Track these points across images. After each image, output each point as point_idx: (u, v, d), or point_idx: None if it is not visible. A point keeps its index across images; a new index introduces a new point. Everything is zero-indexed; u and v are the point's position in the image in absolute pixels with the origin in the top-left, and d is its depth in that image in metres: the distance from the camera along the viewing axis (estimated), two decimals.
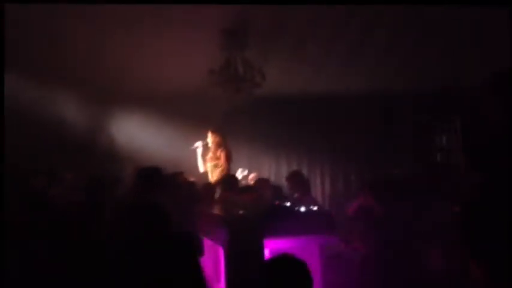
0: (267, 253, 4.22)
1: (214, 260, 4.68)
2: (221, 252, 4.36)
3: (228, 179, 5.72)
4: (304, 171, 8.76)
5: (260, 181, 6.15)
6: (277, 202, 5.02)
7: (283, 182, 6.43)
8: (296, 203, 5.01)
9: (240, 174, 7.30)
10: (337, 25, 6.11)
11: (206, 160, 6.87)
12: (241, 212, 4.53)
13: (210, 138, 6.82)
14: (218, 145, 6.76)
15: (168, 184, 4.64)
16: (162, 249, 2.52)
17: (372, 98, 8.48)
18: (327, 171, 9.04)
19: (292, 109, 8.68)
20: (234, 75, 6.25)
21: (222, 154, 6.70)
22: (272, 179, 7.65)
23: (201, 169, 6.89)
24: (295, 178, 5.85)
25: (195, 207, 4.78)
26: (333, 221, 4.50)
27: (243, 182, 6.99)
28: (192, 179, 6.37)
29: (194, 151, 6.95)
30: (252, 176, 7.31)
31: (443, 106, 8.30)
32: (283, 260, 2.46)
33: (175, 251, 2.52)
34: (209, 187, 5.76)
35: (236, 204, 4.89)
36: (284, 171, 8.35)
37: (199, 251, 3.92)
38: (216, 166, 6.75)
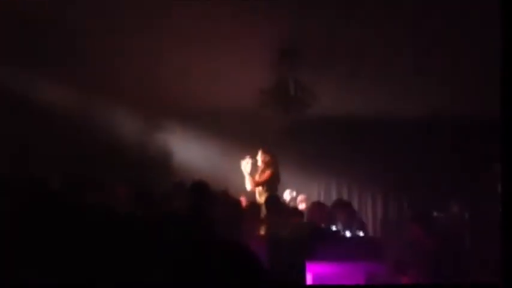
0: (310, 277, 4.09)
1: None
2: None
3: (271, 199, 5.63)
4: (355, 196, 8.59)
5: (315, 205, 5.97)
6: (323, 225, 4.89)
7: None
8: (343, 228, 4.86)
9: (288, 195, 7.20)
10: (394, 46, 5.98)
11: (254, 179, 6.79)
12: (285, 234, 4.43)
13: (260, 158, 6.74)
14: (267, 165, 6.68)
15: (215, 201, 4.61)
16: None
17: (430, 125, 8.23)
18: (378, 196, 8.80)
19: (344, 131, 8.53)
20: (284, 95, 6.21)
21: (268, 174, 6.59)
22: (321, 201, 7.49)
23: (248, 187, 6.81)
24: (341, 207, 5.68)
25: (238, 226, 4.71)
26: (380, 248, 4.33)
27: (291, 204, 6.89)
28: (242, 197, 6.32)
29: (243, 169, 6.89)
30: (300, 198, 7.19)
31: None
32: None
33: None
34: (254, 207, 5.68)
35: (281, 226, 4.80)
36: (334, 193, 8.20)
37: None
38: (262, 186, 6.67)
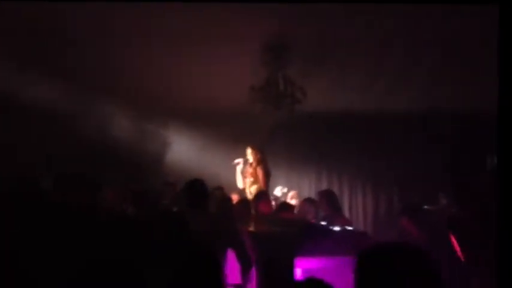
0: (299, 272, 4.12)
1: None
2: (253, 269, 4.30)
3: (260, 195, 5.69)
4: (345, 191, 8.63)
5: (305, 202, 6.04)
6: (312, 220, 4.93)
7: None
8: (331, 222, 4.90)
9: (279, 191, 7.25)
10: (384, 44, 6.00)
11: (245, 176, 6.87)
12: (275, 229, 4.46)
13: (250, 155, 6.82)
14: (257, 162, 6.75)
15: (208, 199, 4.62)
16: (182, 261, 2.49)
17: (418, 119, 8.28)
18: (368, 191, 8.86)
19: (334, 127, 8.57)
20: (274, 91, 6.24)
21: (260, 172, 6.68)
22: (312, 197, 7.54)
23: (240, 185, 6.90)
24: (326, 196, 5.73)
25: (231, 222, 4.74)
26: (368, 241, 4.36)
27: (282, 200, 6.94)
28: (233, 194, 6.38)
29: (234, 167, 6.96)
30: (291, 194, 7.24)
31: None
32: (309, 283, 2.33)
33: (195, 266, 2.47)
34: (245, 203, 5.72)
35: (273, 222, 4.83)
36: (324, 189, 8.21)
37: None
38: (254, 183, 6.73)
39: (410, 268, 1.67)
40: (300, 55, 6.19)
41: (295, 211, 5.73)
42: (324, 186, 8.55)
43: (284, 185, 7.44)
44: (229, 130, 7.83)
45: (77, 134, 7.26)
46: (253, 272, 4.19)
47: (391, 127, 8.47)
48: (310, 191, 8.42)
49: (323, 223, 4.86)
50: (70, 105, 7.08)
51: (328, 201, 5.50)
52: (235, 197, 6.27)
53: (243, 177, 6.89)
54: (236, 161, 6.92)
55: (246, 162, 6.88)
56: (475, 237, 4.00)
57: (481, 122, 7.69)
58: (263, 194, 5.78)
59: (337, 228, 4.53)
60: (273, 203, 6.71)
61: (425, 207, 5.66)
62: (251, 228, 4.97)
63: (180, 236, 3.04)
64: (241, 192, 6.86)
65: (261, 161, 6.75)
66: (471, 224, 4.06)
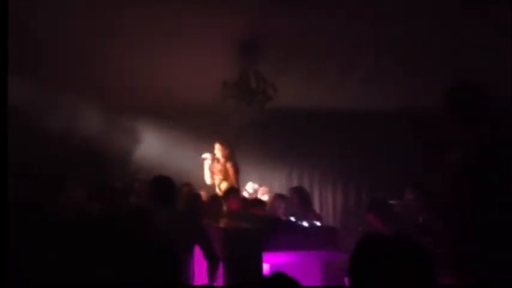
0: (267, 267, 4.16)
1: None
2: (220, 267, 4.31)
3: (229, 192, 5.71)
4: (316, 187, 8.71)
5: (276, 197, 6.10)
6: (282, 216, 4.97)
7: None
8: (300, 217, 4.95)
9: (250, 188, 7.27)
10: (356, 41, 6.04)
11: (214, 173, 6.85)
12: (244, 225, 4.48)
13: (219, 151, 6.80)
14: (226, 158, 6.74)
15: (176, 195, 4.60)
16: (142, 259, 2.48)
17: (390, 116, 8.39)
18: (338, 187, 8.95)
19: (306, 124, 8.62)
20: (246, 88, 6.24)
21: (230, 168, 6.67)
22: (283, 193, 7.57)
23: (208, 181, 6.87)
24: (297, 192, 5.79)
25: (198, 219, 4.75)
26: (336, 236, 4.42)
27: (254, 196, 6.96)
28: (202, 191, 6.37)
29: (203, 163, 6.94)
30: (262, 190, 7.26)
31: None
32: (273, 278, 2.36)
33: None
34: (215, 200, 5.73)
35: (242, 218, 4.85)
36: (295, 184, 8.27)
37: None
38: (223, 180, 6.71)
39: (405, 258, 1.70)
40: (272, 52, 6.20)
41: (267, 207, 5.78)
42: (295, 182, 8.61)
43: (255, 181, 7.45)
44: (200, 126, 7.79)
45: (44, 131, 7.12)
46: (221, 270, 4.20)
47: (362, 124, 8.56)
48: (281, 187, 8.44)
49: (292, 219, 4.91)
50: (37, 102, 6.95)
51: (299, 197, 5.57)
52: (203, 194, 6.26)
53: (211, 173, 6.87)
54: (203, 156, 6.88)
55: (214, 158, 6.86)
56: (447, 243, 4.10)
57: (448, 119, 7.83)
58: (232, 191, 5.79)
59: (305, 224, 4.58)
60: (247, 195, 6.76)
61: (391, 202, 5.74)
62: (220, 225, 4.99)
63: (144, 234, 3.03)
64: (210, 188, 6.85)
65: (230, 157, 6.74)
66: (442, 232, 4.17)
